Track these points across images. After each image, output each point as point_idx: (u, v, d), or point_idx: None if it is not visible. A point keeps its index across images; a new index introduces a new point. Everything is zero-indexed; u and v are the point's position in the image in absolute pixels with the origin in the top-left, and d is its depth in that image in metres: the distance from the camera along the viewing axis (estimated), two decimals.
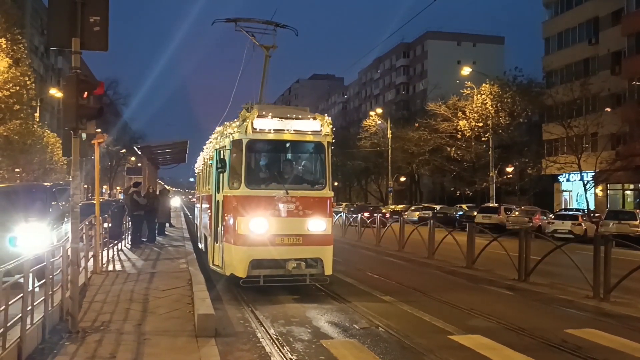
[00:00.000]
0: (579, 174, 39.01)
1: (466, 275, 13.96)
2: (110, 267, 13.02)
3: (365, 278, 13.57)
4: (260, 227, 10.48)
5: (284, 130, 10.88)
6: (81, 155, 7.60)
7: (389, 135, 53.68)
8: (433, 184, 68.85)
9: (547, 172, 45.25)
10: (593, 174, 39.39)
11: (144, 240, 18.44)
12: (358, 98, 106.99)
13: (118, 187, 69.10)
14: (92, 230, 11.98)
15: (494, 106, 42.79)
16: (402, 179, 65.99)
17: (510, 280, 12.60)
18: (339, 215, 31.26)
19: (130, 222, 18.00)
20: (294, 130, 10.95)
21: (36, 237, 9.84)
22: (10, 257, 6.89)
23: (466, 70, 43.92)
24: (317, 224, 10.81)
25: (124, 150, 60.44)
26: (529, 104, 44.38)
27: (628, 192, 43.56)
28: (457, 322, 8.79)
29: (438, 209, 44.54)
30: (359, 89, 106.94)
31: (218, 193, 11.75)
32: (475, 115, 43.78)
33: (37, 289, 6.88)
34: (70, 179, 7.84)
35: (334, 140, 11.39)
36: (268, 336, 7.84)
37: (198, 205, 19.94)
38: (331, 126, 11.32)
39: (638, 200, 42.31)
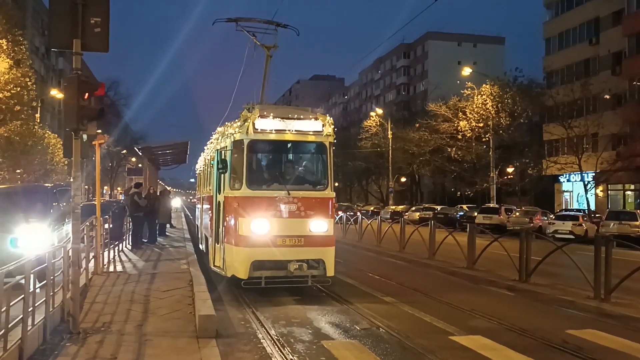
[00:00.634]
0: (580, 175, 39.01)
1: (467, 275, 13.95)
2: (111, 268, 13.04)
3: (366, 279, 13.57)
4: (262, 228, 10.41)
5: (285, 130, 10.79)
6: (82, 156, 7.60)
7: (390, 136, 53.68)
8: (434, 185, 68.84)
9: (547, 172, 45.26)
10: (594, 174, 39.40)
11: (145, 241, 18.45)
12: (359, 99, 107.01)
13: (119, 188, 69.11)
14: (93, 231, 12.00)
15: (495, 107, 42.80)
16: (403, 179, 66.01)
17: (511, 281, 12.60)
18: (339, 216, 31.29)
19: (131, 223, 18.01)
20: (296, 131, 10.86)
21: (37, 238, 9.84)
22: (12, 258, 6.90)
23: (467, 71, 43.91)
24: (319, 225, 10.74)
25: (124, 151, 60.45)
26: (529, 104, 44.38)
27: (629, 192, 43.52)
28: (458, 323, 8.79)
29: (439, 209, 44.52)
30: (359, 89, 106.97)
31: (219, 194, 11.67)
32: (476, 115, 43.79)
33: (38, 290, 6.88)
34: (71, 180, 7.85)
35: (335, 141, 11.34)
36: (269, 337, 7.84)
37: (199, 206, 19.90)
38: (333, 126, 11.25)
39: (639, 200, 42.26)
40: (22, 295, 6.15)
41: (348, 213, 33.37)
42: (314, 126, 10.98)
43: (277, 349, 7.27)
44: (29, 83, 29.32)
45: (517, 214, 35.04)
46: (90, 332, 7.42)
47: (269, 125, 10.68)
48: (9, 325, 5.84)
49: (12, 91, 27.36)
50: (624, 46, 41.63)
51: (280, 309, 9.74)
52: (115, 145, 56.42)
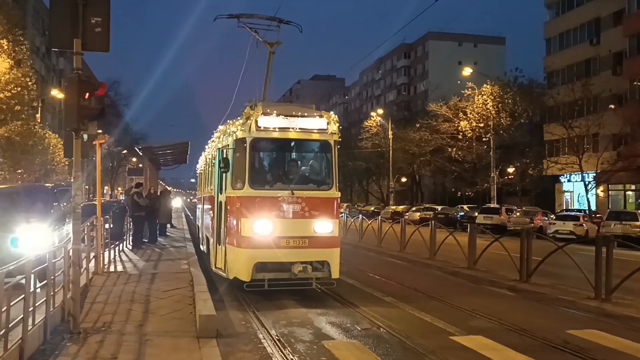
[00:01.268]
0: (581, 175, 39.02)
1: (467, 276, 13.94)
2: (112, 268, 13.04)
3: (366, 279, 13.56)
4: (265, 229, 10.13)
5: (289, 128, 10.48)
6: (83, 156, 7.59)
7: (390, 136, 53.67)
8: (434, 185, 68.84)
9: (548, 172, 45.27)
10: (594, 174, 39.40)
11: (145, 241, 18.44)
12: (359, 99, 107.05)
13: (119, 188, 69.14)
14: (94, 231, 11.99)
15: (495, 107, 42.79)
16: (404, 179, 65.99)
17: (512, 281, 12.59)
18: (341, 215, 31.34)
19: (131, 223, 18.01)
20: (300, 129, 10.54)
21: (38, 238, 9.83)
22: (12, 258, 6.90)
23: (467, 71, 43.92)
24: (324, 226, 10.45)
25: (125, 151, 60.47)
26: (530, 104, 44.39)
27: (629, 192, 43.52)
28: (458, 323, 8.78)
29: (439, 209, 44.53)
30: (360, 89, 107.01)
31: (221, 193, 11.46)
32: (477, 115, 43.77)
33: (38, 290, 6.88)
34: (72, 180, 7.84)
35: (340, 139, 11.08)
36: (269, 337, 7.83)
37: (199, 206, 19.76)
38: (338, 124, 10.95)
39: (639, 201, 42.27)
40: (23, 295, 6.14)
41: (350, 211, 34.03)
42: (319, 124, 10.69)
43: (277, 349, 7.26)
44: (29, 83, 29.34)
45: (518, 214, 35.04)
46: (91, 332, 7.41)
47: (272, 123, 10.39)
48: (10, 325, 5.84)
49: (13, 91, 27.38)
50: (625, 46, 41.64)
51: (281, 309, 9.73)
52: (116, 145, 56.43)
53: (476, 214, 37.18)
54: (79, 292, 7.77)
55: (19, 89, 27.86)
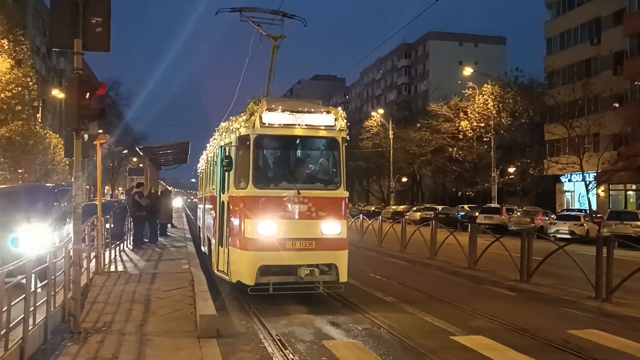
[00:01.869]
0: (581, 175, 39.00)
1: (468, 276, 13.94)
2: (112, 268, 13.03)
3: (367, 279, 13.54)
4: (270, 230, 9.66)
5: (295, 124, 9.96)
6: (83, 156, 7.59)
7: (391, 136, 53.67)
8: (435, 185, 68.81)
9: (549, 172, 45.24)
10: (595, 174, 39.37)
11: (146, 241, 18.45)
12: (360, 99, 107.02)
13: (120, 188, 69.20)
14: (94, 231, 12.00)
15: (496, 106, 42.81)
16: (404, 179, 65.97)
17: (513, 281, 12.59)
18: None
19: (132, 223, 18.02)
20: (306, 125, 10.01)
21: (38, 238, 9.84)
22: (13, 258, 6.91)
23: (468, 71, 43.93)
24: (332, 227, 9.96)
25: (126, 151, 60.48)
26: (530, 104, 44.41)
27: (630, 192, 43.50)
28: (459, 323, 8.79)
29: (440, 209, 44.52)
30: (360, 89, 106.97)
31: (223, 193, 11.03)
32: (477, 115, 43.79)
33: (39, 290, 6.88)
34: (72, 180, 7.84)
35: (348, 137, 10.54)
36: (270, 337, 7.83)
37: (201, 206, 19.54)
38: (346, 120, 10.41)
39: None
40: (23, 295, 6.15)
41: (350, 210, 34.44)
42: (326, 120, 10.18)
43: (278, 348, 7.27)
44: (30, 83, 29.36)
45: (519, 214, 35.03)
46: (91, 331, 7.42)
47: (277, 119, 9.88)
48: (10, 325, 5.84)
49: (14, 91, 27.40)
50: (626, 46, 41.61)
51: (281, 309, 9.72)
52: (117, 145, 56.43)
53: (477, 213, 37.17)
54: (80, 292, 7.77)
55: (20, 88, 27.88)
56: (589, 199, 39.60)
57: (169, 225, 24.34)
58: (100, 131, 10.53)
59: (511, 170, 47.26)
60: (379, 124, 59.89)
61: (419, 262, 16.88)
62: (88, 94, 7.32)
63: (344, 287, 10.26)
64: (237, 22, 12.45)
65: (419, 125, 52.40)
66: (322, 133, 10.29)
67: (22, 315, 6.09)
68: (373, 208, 56.76)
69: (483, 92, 43.47)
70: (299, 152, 11.09)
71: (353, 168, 67.06)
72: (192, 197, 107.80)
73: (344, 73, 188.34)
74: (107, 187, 61.56)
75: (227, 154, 10.41)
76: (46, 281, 7.15)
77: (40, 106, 39.23)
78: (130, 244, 17.66)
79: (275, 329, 8.31)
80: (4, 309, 5.66)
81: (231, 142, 10.52)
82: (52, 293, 7.36)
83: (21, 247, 9.67)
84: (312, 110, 10.15)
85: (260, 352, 7.19)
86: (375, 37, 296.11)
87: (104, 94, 7.94)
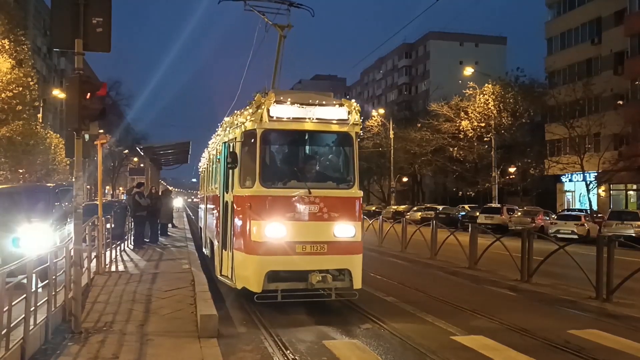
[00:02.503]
0: (582, 175, 38.95)
1: (469, 275, 13.94)
2: (113, 268, 13.04)
3: (367, 279, 13.43)
4: (278, 233, 8.99)
5: (305, 118, 9.25)
6: (84, 156, 7.60)
7: (392, 136, 53.64)
8: (435, 185, 68.82)
9: (549, 172, 45.20)
10: (596, 174, 39.34)
11: (147, 240, 18.46)
12: (360, 98, 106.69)
13: (121, 188, 69.21)
14: (95, 231, 12.02)
15: (497, 106, 42.78)
16: (405, 179, 65.99)
17: (513, 281, 12.58)
18: None
19: (132, 223, 18.03)
20: (317, 119, 9.30)
21: (39, 238, 9.86)
22: (14, 258, 6.92)
23: (468, 71, 43.88)
24: (345, 229, 9.27)
25: (126, 151, 60.54)
26: (531, 104, 44.35)
27: (631, 192, 43.47)
28: (459, 323, 8.79)
29: (440, 209, 44.51)
30: (361, 89, 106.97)
31: (227, 193, 10.31)
32: (478, 115, 43.76)
33: (40, 290, 6.88)
34: (73, 180, 7.86)
35: (362, 132, 9.82)
36: (270, 337, 7.83)
37: (202, 206, 19.09)
38: (359, 114, 9.67)
39: None
40: (24, 295, 6.16)
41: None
42: (339, 113, 9.44)
43: (278, 348, 7.27)
44: (31, 83, 29.39)
45: (519, 213, 35.01)
46: (92, 331, 7.42)
47: (286, 113, 9.15)
48: (11, 325, 5.85)
49: (14, 91, 27.43)
50: (626, 46, 41.58)
51: (282, 309, 9.69)
52: (117, 145, 56.54)
53: (477, 213, 37.16)
54: (81, 292, 7.78)
55: (21, 88, 27.91)
56: (589, 199, 39.56)
57: (169, 225, 24.36)
58: (101, 131, 10.54)
59: (512, 170, 47.25)
60: (380, 123, 59.87)
61: (420, 262, 16.88)
62: (89, 94, 7.33)
63: (357, 295, 9.63)
64: (239, 18, 12.15)
65: (419, 125, 52.38)
66: (335, 127, 9.55)
67: (23, 315, 6.09)
68: (374, 208, 56.76)
69: (484, 92, 43.44)
70: (309, 148, 10.31)
71: None
72: (192, 197, 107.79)
73: (344, 73, 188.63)
74: (107, 187, 61.61)
75: (231, 150, 9.72)
76: (47, 281, 7.16)
77: (41, 106, 39.30)
78: (131, 243, 17.67)
79: (276, 328, 8.30)
80: (5, 309, 5.67)
81: (236, 138, 9.80)
82: (53, 293, 7.37)
83: (22, 247, 9.68)
84: (324, 102, 9.40)
85: (260, 352, 7.19)
86: (376, 37, 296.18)
87: (105, 94, 7.96)
